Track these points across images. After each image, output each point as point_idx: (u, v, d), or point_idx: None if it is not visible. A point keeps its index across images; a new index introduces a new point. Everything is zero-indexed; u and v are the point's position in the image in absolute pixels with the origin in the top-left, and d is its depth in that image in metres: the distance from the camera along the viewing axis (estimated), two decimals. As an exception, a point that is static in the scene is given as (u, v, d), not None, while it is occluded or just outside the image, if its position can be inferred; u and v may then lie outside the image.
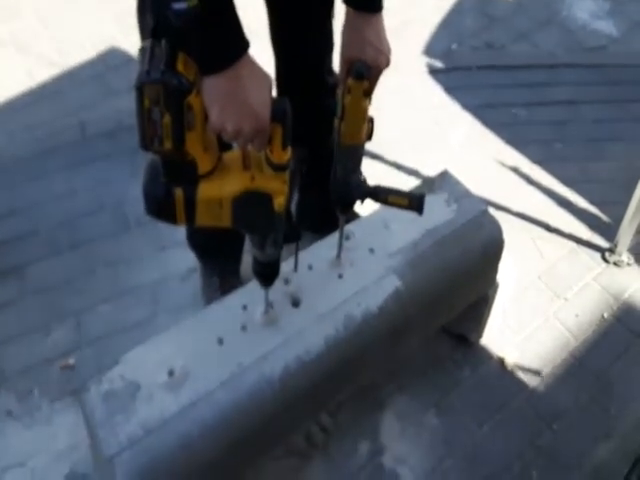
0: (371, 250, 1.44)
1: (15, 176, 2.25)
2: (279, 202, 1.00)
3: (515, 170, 2.33)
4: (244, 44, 0.91)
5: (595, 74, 2.73)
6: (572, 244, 2.11)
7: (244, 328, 1.28)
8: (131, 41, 2.60)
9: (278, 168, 0.99)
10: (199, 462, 1.17)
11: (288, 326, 1.29)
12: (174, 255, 2.01)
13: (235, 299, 1.34)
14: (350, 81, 1.14)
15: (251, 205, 1.01)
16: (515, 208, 2.18)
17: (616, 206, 2.08)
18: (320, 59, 1.62)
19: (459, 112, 2.54)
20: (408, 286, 1.40)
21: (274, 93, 0.98)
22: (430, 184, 1.59)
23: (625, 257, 2.05)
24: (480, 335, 1.81)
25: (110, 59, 2.70)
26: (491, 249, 1.56)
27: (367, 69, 1.14)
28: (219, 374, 1.21)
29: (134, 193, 2.12)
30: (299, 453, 1.60)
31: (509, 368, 1.79)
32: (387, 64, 1.19)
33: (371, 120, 1.20)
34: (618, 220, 2.02)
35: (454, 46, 2.85)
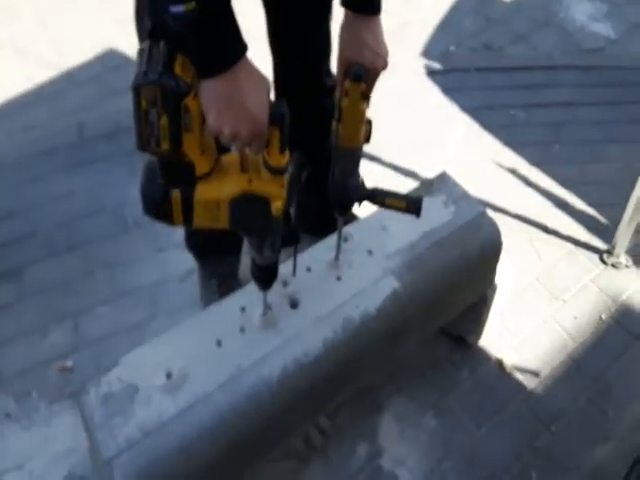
0: (369, 252, 1.44)
1: (13, 177, 2.25)
2: (276, 206, 1.00)
3: (513, 172, 2.33)
4: (242, 47, 0.92)
5: (593, 76, 2.73)
6: (570, 246, 2.11)
7: (242, 330, 1.28)
8: (130, 43, 2.58)
9: (276, 171, 0.99)
10: (197, 465, 1.17)
11: (286, 328, 1.29)
12: (172, 257, 2.01)
13: (233, 301, 1.34)
14: (348, 83, 1.14)
15: (249, 208, 1.01)
16: (513, 210, 2.18)
17: (614, 208, 2.08)
18: (318, 61, 1.62)
19: (457, 114, 2.54)
20: (406, 288, 1.40)
21: (272, 96, 0.98)
22: (428, 186, 1.59)
23: (623, 259, 2.05)
24: (478, 337, 1.81)
25: (109, 60, 2.70)
26: (489, 251, 1.56)
27: (365, 72, 1.14)
28: (217, 376, 1.21)
29: (133, 194, 2.13)
30: (297, 455, 1.60)
31: (507, 370, 1.79)
32: (385, 67, 1.19)
33: (369, 122, 1.20)
34: (616, 222, 2.02)
35: (452, 48, 2.85)
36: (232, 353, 1.25)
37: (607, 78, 2.72)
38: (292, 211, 1.08)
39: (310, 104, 1.58)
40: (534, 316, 1.92)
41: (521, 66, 2.76)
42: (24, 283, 1.96)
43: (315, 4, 1.52)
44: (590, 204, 2.23)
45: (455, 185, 1.59)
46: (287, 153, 0.99)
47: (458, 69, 2.73)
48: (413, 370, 1.76)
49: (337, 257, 1.40)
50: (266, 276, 1.21)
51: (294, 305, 1.34)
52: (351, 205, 1.30)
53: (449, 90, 2.63)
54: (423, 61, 2.75)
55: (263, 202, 1.00)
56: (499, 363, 1.81)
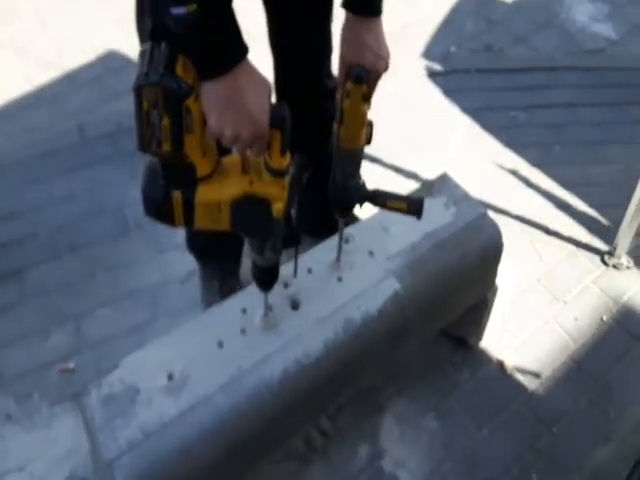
0: (370, 253, 1.44)
1: (14, 179, 2.25)
2: (277, 208, 1.00)
3: (514, 173, 2.33)
4: (243, 49, 0.92)
5: (594, 77, 2.73)
6: (571, 247, 2.11)
7: (243, 332, 1.28)
8: (130, 44, 2.59)
9: (277, 173, 0.99)
10: (198, 466, 1.17)
11: (287, 330, 1.29)
12: (173, 258, 2.01)
13: (234, 302, 1.34)
14: (349, 85, 1.14)
15: (250, 209, 1.01)
16: (514, 211, 2.18)
17: (615, 209, 2.08)
18: (319, 63, 1.62)
19: (458, 115, 2.54)
20: (407, 289, 1.40)
21: (273, 98, 0.98)
22: (429, 187, 1.59)
23: (624, 260, 2.05)
24: (479, 338, 1.81)
25: (109, 62, 2.70)
26: (490, 252, 1.56)
27: (366, 73, 1.14)
28: (218, 378, 1.21)
29: (134, 196, 2.13)
30: (298, 457, 1.60)
31: (508, 371, 1.79)
32: (386, 68, 1.19)
33: (370, 124, 1.20)
34: (617, 223, 2.02)
35: (453, 49, 2.85)
36: (233, 354, 1.25)
37: (608, 79, 2.72)
38: (293, 212, 1.08)
39: (311, 106, 1.58)
40: (535, 317, 1.92)
41: (522, 67, 2.76)
42: (25, 285, 1.97)
43: (315, 5, 1.52)
44: (591, 205, 2.23)
45: (456, 186, 1.59)
46: (288, 155, 0.99)
47: (459, 70, 2.73)
48: (414, 371, 1.76)
49: (338, 258, 1.40)
50: (267, 277, 1.21)
51: (295, 306, 1.34)
52: (352, 207, 1.30)
53: (450, 91, 2.63)
54: (424, 62, 2.75)
55: (264, 204, 1.00)
56: (500, 364, 1.81)
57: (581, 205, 2.23)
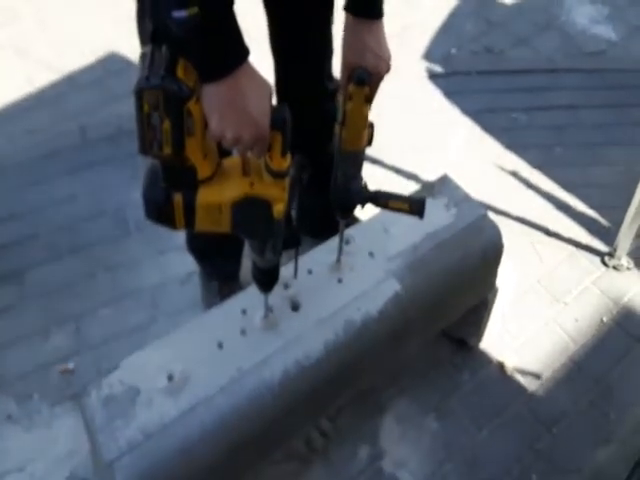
0: (371, 254, 1.44)
1: (15, 180, 2.25)
2: (278, 209, 1.01)
3: (515, 174, 2.33)
4: (244, 52, 0.92)
5: (594, 79, 2.73)
6: (571, 248, 2.11)
7: (244, 332, 1.28)
8: (131, 46, 2.60)
9: (277, 175, 0.99)
10: (199, 467, 1.17)
11: (288, 330, 1.29)
12: (174, 259, 2.02)
13: (235, 303, 1.35)
14: (351, 87, 1.14)
15: (250, 211, 1.01)
16: (514, 212, 2.18)
17: (615, 210, 2.08)
18: (320, 65, 1.62)
19: (459, 117, 2.54)
20: (408, 290, 1.40)
21: (274, 100, 0.98)
22: (430, 188, 1.59)
23: (624, 261, 2.05)
24: (480, 339, 1.81)
25: (110, 63, 2.71)
26: (491, 253, 1.56)
27: (368, 75, 1.14)
28: (218, 379, 1.21)
29: (134, 197, 2.14)
30: (299, 458, 1.60)
31: (508, 372, 1.79)
32: (387, 70, 1.19)
33: (371, 126, 1.21)
34: (617, 224, 2.02)
35: (454, 51, 2.85)
36: (233, 355, 1.25)
37: (609, 81, 2.73)
38: (293, 213, 1.08)
39: (312, 108, 1.58)
40: (535, 318, 1.92)
41: (522, 69, 2.76)
42: (26, 285, 1.97)
43: (316, 7, 1.52)
44: (592, 207, 2.23)
45: (456, 188, 1.59)
46: (289, 157, 1.00)
47: (459, 72, 2.73)
48: (414, 372, 1.76)
49: (338, 259, 1.40)
50: (267, 279, 1.21)
51: (295, 307, 1.34)
52: (353, 208, 1.31)
53: (450, 93, 2.63)
54: (424, 64, 2.75)
55: (265, 205, 1.01)
56: (500, 365, 1.81)
57: (581, 206, 2.23)
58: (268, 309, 1.28)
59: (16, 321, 1.88)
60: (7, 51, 2.75)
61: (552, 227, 2.16)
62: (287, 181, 1.01)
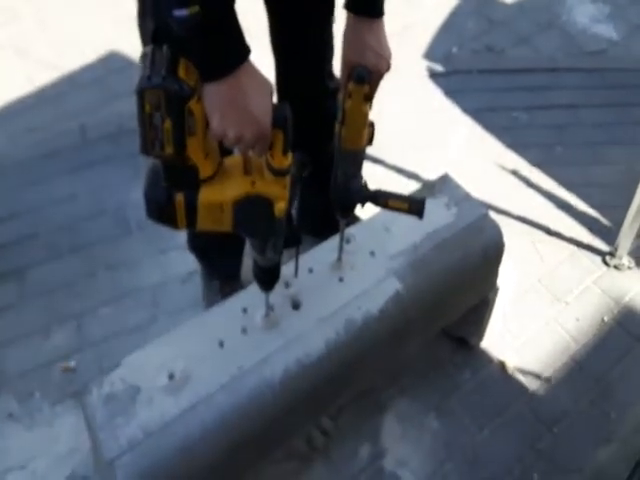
0: (372, 253, 1.44)
1: (16, 180, 2.25)
2: (280, 207, 1.01)
3: (515, 173, 2.33)
4: (245, 51, 0.92)
5: (595, 78, 2.73)
6: (572, 247, 2.11)
7: (244, 331, 1.29)
8: (131, 44, 2.60)
9: (279, 173, 0.99)
10: (199, 465, 1.17)
11: (288, 329, 1.29)
12: (175, 258, 2.02)
13: (235, 302, 1.35)
14: (351, 85, 1.14)
15: (252, 210, 1.01)
16: (515, 212, 2.18)
17: (616, 210, 2.08)
18: (321, 63, 1.62)
19: (459, 115, 2.54)
20: (409, 289, 1.40)
21: (274, 98, 0.98)
22: (430, 187, 1.59)
23: (625, 260, 2.05)
24: (480, 338, 1.81)
25: (110, 62, 2.71)
26: (491, 252, 1.56)
27: (368, 73, 1.14)
28: (219, 377, 1.21)
29: (135, 196, 2.14)
30: (299, 456, 1.60)
31: (509, 371, 1.80)
32: (388, 69, 1.19)
33: (372, 125, 1.21)
34: (618, 223, 2.02)
35: (454, 49, 2.85)
36: (234, 354, 1.25)
37: (610, 80, 2.72)
38: (293, 212, 1.08)
39: (312, 106, 1.58)
40: (536, 318, 1.92)
41: (523, 68, 2.76)
42: (26, 284, 1.97)
43: (317, 4, 1.52)
44: (592, 206, 2.23)
45: (457, 187, 1.59)
46: (290, 155, 1.00)
47: (460, 71, 2.73)
48: (415, 371, 1.76)
49: (339, 258, 1.40)
50: (268, 277, 1.21)
51: (296, 306, 1.34)
52: (354, 207, 1.31)
53: (451, 92, 2.63)
54: (425, 63, 2.75)
55: (266, 204, 1.01)
56: (501, 365, 1.81)
57: (582, 206, 2.23)
58: (269, 308, 1.28)
59: (17, 320, 1.88)
60: (7, 50, 2.75)
61: (553, 226, 2.16)
62: (288, 179, 1.02)
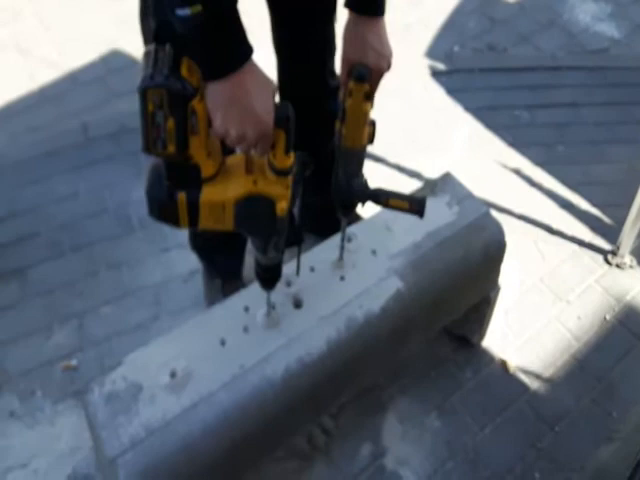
0: (373, 252, 1.44)
1: (17, 178, 2.26)
2: (281, 206, 1.01)
3: (517, 172, 2.33)
4: (248, 50, 0.92)
5: (597, 76, 2.73)
6: (574, 246, 2.11)
7: (246, 330, 1.29)
8: (133, 43, 2.60)
9: (281, 173, 0.99)
10: (201, 463, 1.17)
11: (290, 328, 1.29)
12: (176, 257, 2.02)
13: (237, 301, 1.35)
14: (351, 84, 1.14)
15: (253, 209, 1.01)
16: (517, 210, 2.18)
17: (618, 208, 2.08)
18: (323, 62, 1.62)
19: (461, 114, 2.54)
20: (410, 287, 1.40)
21: (277, 97, 0.98)
22: (432, 186, 1.59)
23: (627, 259, 2.05)
24: (482, 337, 1.81)
25: (112, 61, 2.70)
26: (493, 251, 1.56)
27: (368, 72, 1.14)
28: (221, 375, 1.21)
29: (137, 195, 2.15)
30: (300, 455, 1.60)
31: (511, 370, 1.79)
32: (388, 67, 1.19)
33: (373, 123, 1.21)
34: (620, 222, 2.02)
35: (456, 48, 2.85)
36: (236, 352, 1.25)
37: (611, 79, 2.72)
38: (295, 211, 1.08)
39: (314, 104, 1.58)
40: (538, 316, 1.92)
41: (525, 67, 2.76)
42: (28, 283, 1.97)
43: (319, 4, 1.52)
44: (594, 205, 2.23)
45: (459, 185, 1.59)
46: (292, 154, 1.00)
47: (462, 70, 2.73)
48: (417, 370, 1.76)
49: (341, 257, 1.40)
50: (270, 276, 1.21)
51: (298, 305, 1.34)
52: (355, 206, 1.30)
53: (453, 91, 2.62)
54: (427, 62, 2.75)
55: (268, 203, 1.01)
56: (503, 364, 1.81)
57: (584, 204, 2.23)
58: (270, 306, 1.28)
59: (19, 318, 1.89)
60: (9, 49, 2.75)
61: (555, 225, 2.16)
62: (290, 179, 1.02)
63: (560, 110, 2.58)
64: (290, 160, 1.00)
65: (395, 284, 1.39)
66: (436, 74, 2.70)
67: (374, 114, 1.20)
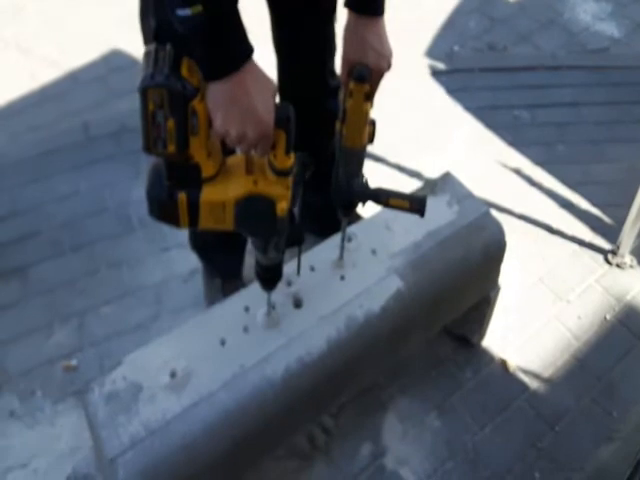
0: (373, 251, 1.44)
1: (18, 177, 2.26)
2: (282, 207, 1.01)
3: (517, 172, 2.33)
4: (248, 50, 0.92)
5: (597, 76, 2.73)
6: (574, 246, 2.11)
7: (246, 329, 1.29)
8: (134, 43, 2.59)
9: (281, 173, 1.00)
10: (201, 463, 1.17)
11: (290, 327, 1.30)
12: (177, 256, 2.02)
13: (237, 300, 1.35)
14: (352, 84, 1.14)
15: (254, 209, 1.01)
16: (517, 210, 2.18)
17: (618, 208, 2.08)
18: (323, 62, 1.62)
19: (461, 114, 2.54)
20: (410, 287, 1.40)
21: (277, 97, 0.98)
22: (432, 186, 1.59)
23: (628, 259, 2.05)
24: (482, 337, 1.81)
25: (113, 61, 2.70)
26: (493, 250, 1.56)
27: (368, 72, 1.14)
28: (221, 375, 1.21)
29: (137, 194, 2.15)
30: (301, 454, 1.60)
31: (511, 370, 1.79)
32: (389, 67, 1.19)
33: (373, 123, 1.21)
34: (621, 222, 2.02)
35: (456, 48, 2.85)
36: (236, 352, 1.25)
37: (611, 78, 2.72)
38: (296, 211, 1.08)
39: (314, 104, 1.58)
40: (538, 316, 1.92)
41: (525, 66, 2.76)
42: (29, 282, 1.97)
43: (319, 4, 1.52)
44: (595, 204, 2.23)
45: (459, 185, 1.59)
46: (292, 155, 1.00)
47: (462, 69, 2.73)
48: (417, 370, 1.76)
49: (341, 257, 1.40)
50: (270, 276, 1.21)
51: (298, 304, 1.34)
52: (355, 206, 1.31)
53: (453, 90, 2.62)
54: (427, 61, 2.75)
55: (268, 203, 1.01)
56: (503, 363, 1.81)
57: (584, 204, 2.23)
58: (271, 306, 1.28)
59: (19, 318, 1.89)
60: (11, 48, 2.75)
61: (555, 225, 2.16)
62: (290, 179, 1.02)
63: (560, 109, 2.58)
64: (290, 160, 1.00)
65: (395, 283, 1.39)
66: (436, 74, 2.70)
67: (374, 114, 1.20)
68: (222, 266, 1.86)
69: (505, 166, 2.35)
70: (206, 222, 1.03)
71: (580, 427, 1.70)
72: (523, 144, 2.42)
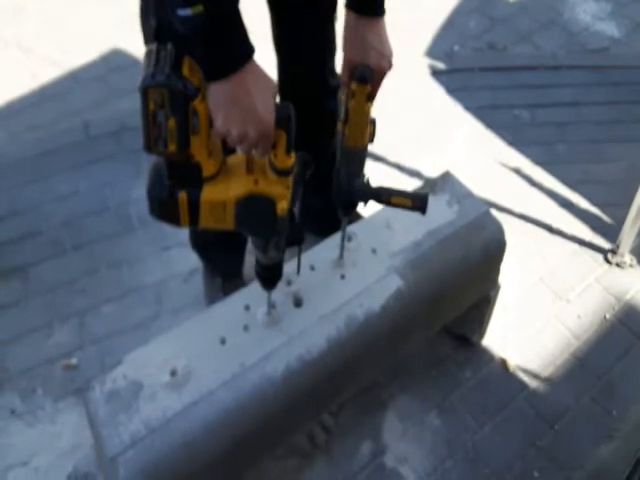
0: (373, 250, 1.44)
1: (18, 177, 2.26)
2: (282, 206, 1.01)
3: (517, 171, 2.33)
4: (249, 50, 0.92)
5: (597, 76, 2.73)
6: (574, 245, 2.11)
7: (246, 328, 1.29)
8: (134, 43, 2.60)
9: (282, 173, 1.00)
10: (201, 461, 1.18)
11: (290, 326, 1.30)
12: (177, 255, 2.02)
13: (237, 299, 1.35)
14: (354, 85, 1.14)
15: (254, 208, 1.01)
16: (517, 209, 2.18)
17: (618, 208, 2.08)
18: (323, 61, 1.63)
19: (461, 114, 2.54)
20: (410, 286, 1.40)
21: (277, 97, 0.98)
22: (432, 185, 1.59)
23: (627, 258, 2.05)
24: (482, 336, 1.81)
25: (113, 60, 2.71)
26: (493, 250, 1.56)
27: (370, 73, 1.14)
28: (221, 374, 1.22)
29: (137, 194, 2.15)
30: (301, 453, 1.60)
31: (511, 369, 1.80)
32: (390, 67, 1.19)
33: (373, 122, 1.21)
34: (620, 221, 2.02)
35: (456, 48, 2.85)
36: (236, 351, 1.25)
37: (611, 78, 2.72)
38: (296, 210, 1.09)
39: (314, 104, 1.58)
40: (538, 315, 1.92)
41: (525, 66, 2.76)
42: (29, 281, 1.97)
43: (320, 4, 1.52)
44: (594, 204, 2.23)
45: (459, 184, 1.59)
46: (293, 154, 1.00)
47: (462, 69, 2.73)
48: (417, 369, 1.77)
49: (341, 256, 1.41)
50: (270, 276, 1.21)
51: (298, 303, 1.34)
52: (356, 205, 1.31)
53: (453, 90, 2.63)
54: (427, 61, 2.75)
55: (269, 203, 1.01)
56: (502, 362, 1.81)
57: (584, 203, 2.23)
58: (271, 305, 1.28)
59: (20, 317, 1.89)
60: (11, 48, 2.76)
61: (555, 224, 2.16)
62: (291, 179, 1.02)
63: (560, 109, 2.58)
64: (291, 160, 1.00)
65: (395, 283, 1.39)
66: (436, 74, 2.70)
67: (374, 113, 1.20)
68: (222, 265, 1.86)
69: (505, 166, 2.35)
70: (206, 221, 1.03)
71: (580, 426, 1.70)
72: (523, 144, 2.42)
